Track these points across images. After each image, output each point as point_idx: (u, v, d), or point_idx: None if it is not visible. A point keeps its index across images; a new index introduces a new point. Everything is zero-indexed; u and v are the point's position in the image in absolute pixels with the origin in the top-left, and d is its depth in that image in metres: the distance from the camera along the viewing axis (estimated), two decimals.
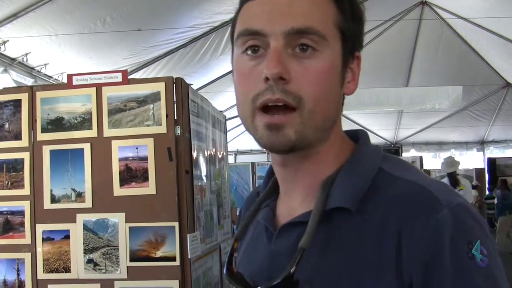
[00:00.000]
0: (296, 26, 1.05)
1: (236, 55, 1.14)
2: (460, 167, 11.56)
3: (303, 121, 1.06)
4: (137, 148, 3.00)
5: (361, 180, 1.10)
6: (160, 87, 3.03)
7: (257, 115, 1.09)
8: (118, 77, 3.08)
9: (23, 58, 6.64)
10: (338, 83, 1.12)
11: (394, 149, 15.11)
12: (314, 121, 1.08)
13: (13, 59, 6.56)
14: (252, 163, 13.17)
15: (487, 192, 17.05)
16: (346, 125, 1.22)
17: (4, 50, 6.27)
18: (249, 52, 1.10)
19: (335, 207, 1.08)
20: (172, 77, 3.08)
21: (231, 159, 15.86)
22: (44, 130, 3.10)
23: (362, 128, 1.25)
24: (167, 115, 3.01)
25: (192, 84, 3.30)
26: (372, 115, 14.66)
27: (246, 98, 1.10)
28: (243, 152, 16.67)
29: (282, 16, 1.06)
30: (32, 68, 6.93)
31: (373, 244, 1.03)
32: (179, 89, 3.07)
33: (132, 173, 2.99)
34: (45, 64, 7.05)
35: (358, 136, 1.22)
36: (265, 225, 1.23)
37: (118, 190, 3.00)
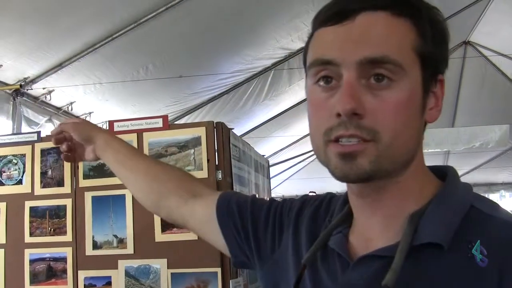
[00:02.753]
0: (370, 56, 0.99)
1: (309, 85, 1.09)
2: (510, 208, 11.23)
3: (379, 153, 1.00)
4: None
5: (453, 216, 1.03)
6: (201, 131, 3.03)
7: (330, 145, 1.03)
8: (159, 123, 3.09)
9: (68, 107, 6.75)
10: (418, 112, 1.04)
11: None
12: (391, 153, 1.01)
13: (59, 108, 6.67)
14: None
15: None
16: None
17: (50, 99, 6.38)
18: (321, 83, 1.05)
19: (425, 242, 1.01)
20: (213, 122, 3.08)
21: None
22: (86, 176, 3.12)
23: (451, 166, 1.16)
24: (208, 160, 3.00)
25: (233, 128, 3.29)
26: None
27: (318, 131, 1.05)
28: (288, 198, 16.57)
29: (356, 45, 1.00)
30: (77, 117, 7.03)
31: (467, 285, 0.96)
32: (220, 133, 3.07)
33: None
34: (90, 113, 7.15)
35: (445, 171, 1.13)
36: (337, 253, 1.15)
37: (160, 236, 2.98)
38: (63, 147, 1.76)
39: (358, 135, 0.99)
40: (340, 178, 1.04)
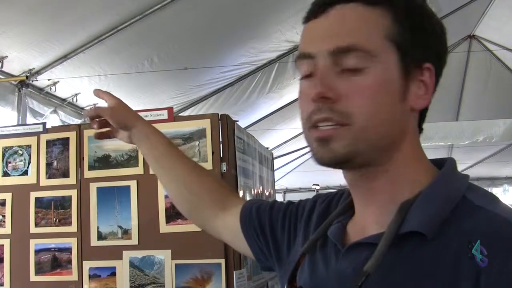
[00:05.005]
0: (340, 45, 1.05)
1: (300, 79, 1.17)
2: None
3: (353, 136, 1.04)
4: None
5: (442, 206, 1.04)
6: (206, 124, 3.03)
7: (311, 131, 1.09)
8: (164, 115, 3.10)
9: (73, 99, 6.76)
10: (395, 98, 1.07)
11: None
12: (366, 137, 1.05)
13: (63, 100, 6.68)
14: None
15: None
16: None
17: (55, 91, 6.39)
18: (306, 79, 1.13)
19: (409, 231, 1.03)
20: (218, 114, 3.08)
21: (280, 197, 15.77)
22: (91, 167, 3.14)
23: (451, 157, 1.19)
24: (213, 152, 3.00)
25: (238, 121, 3.30)
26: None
27: (303, 118, 1.12)
28: (292, 190, 16.57)
29: (327, 36, 1.07)
30: (82, 108, 7.04)
31: (449, 273, 0.97)
32: (224, 125, 3.07)
33: (178, 210, 2.99)
34: (95, 104, 7.12)
35: (444, 163, 1.16)
36: (333, 242, 1.18)
37: (164, 227, 2.99)
38: (94, 126, 1.70)
39: (331, 118, 1.05)
40: (317, 161, 1.10)
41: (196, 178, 1.68)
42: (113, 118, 1.67)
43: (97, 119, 1.69)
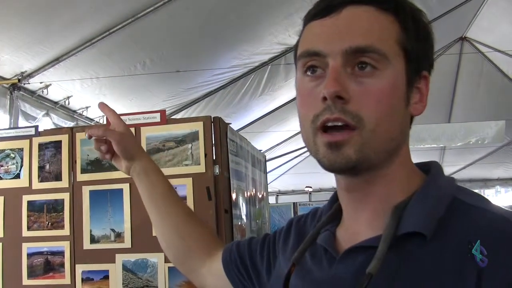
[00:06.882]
0: (354, 45, 1.04)
1: (298, 77, 1.13)
2: (506, 204, 11.27)
3: (364, 141, 1.03)
4: (176, 187, 2.97)
5: (436, 206, 1.05)
6: (199, 126, 3.03)
7: (318, 135, 1.06)
8: (157, 117, 3.10)
9: (65, 101, 6.74)
10: (402, 103, 1.09)
11: None
12: (375, 141, 1.04)
13: (56, 103, 6.66)
14: (293, 203, 13.16)
15: None
16: None
17: (47, 94, 6.38)
18: (308, 73, 1.10)
19: (408, 232, 1.04)
20: (210, 117, 3.08)
21: (272, 199, 15.78)
22: (83, 170, 3.13)
23: (435, 161, 1.21)
24: (205, 155, 3.00)
25: (230, 123, 3.30)
26: (414, 152, 14.44)
27: (307, 119, 1.08)
28: (284, 193, 16.59)
29: (341, 36, 1.05)
30: (74, 111, 7.04)
31: (450, 273, 0.97)
32: (217, 128, 3.07)
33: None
34: (87, 107, 7.14)
35: (429, 166, 1.18)
36: (324, 249, 1.18)
37: None
38: (102, 147, 1.62)
39: (342, 119, 1.03)
40: (327, 167, 1.08)
41: (189, 227, 1.65)
42: (120, 145, 1.60)
43: (100, 141, 1.62)
